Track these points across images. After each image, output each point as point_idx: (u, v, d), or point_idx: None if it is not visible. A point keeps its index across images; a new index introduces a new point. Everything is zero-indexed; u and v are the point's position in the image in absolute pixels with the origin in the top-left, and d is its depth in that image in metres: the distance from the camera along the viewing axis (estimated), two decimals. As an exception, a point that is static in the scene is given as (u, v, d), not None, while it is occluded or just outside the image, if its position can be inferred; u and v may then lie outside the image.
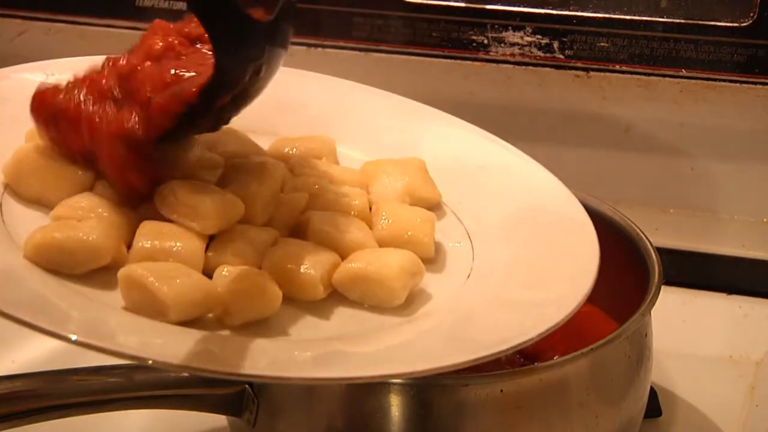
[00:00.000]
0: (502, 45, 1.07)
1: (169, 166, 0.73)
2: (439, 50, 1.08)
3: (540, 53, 1.06)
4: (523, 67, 1.07)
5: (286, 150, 0.81)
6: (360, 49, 1.10)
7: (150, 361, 0.60)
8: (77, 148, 0.72)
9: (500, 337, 0.66)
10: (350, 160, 0.83)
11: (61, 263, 0.67)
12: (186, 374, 0.74)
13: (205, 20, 0.66)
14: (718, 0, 1.01)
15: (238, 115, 0.73)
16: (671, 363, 0.92)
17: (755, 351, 0.96)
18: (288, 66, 0.86)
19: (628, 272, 0.83)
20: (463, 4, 1.07)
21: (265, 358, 0.64)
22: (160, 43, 0.73)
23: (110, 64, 0.74)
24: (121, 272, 0.66)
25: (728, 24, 1.01)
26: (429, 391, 0.71)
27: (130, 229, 0.70)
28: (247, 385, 0.75)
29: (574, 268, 0.73)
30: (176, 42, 0.74)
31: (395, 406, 0.71)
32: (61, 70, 0.81)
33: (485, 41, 1.07)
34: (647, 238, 0.84)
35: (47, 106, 0.72)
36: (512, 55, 1.07)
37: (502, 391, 0.71)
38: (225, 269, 0.68)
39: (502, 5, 1.06)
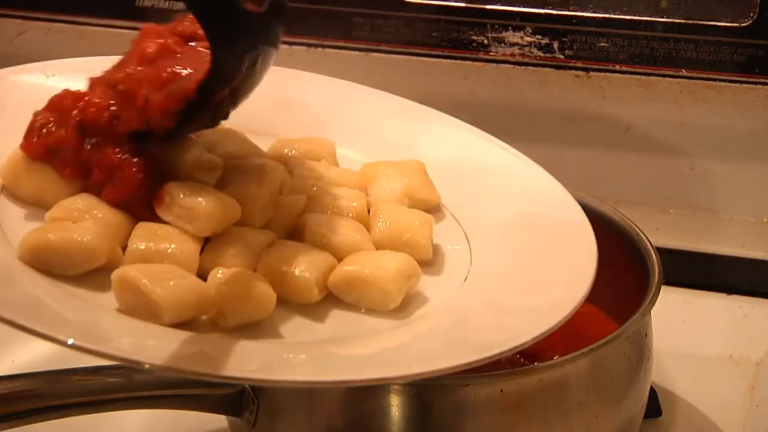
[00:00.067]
0: (502, 45, 1.07)
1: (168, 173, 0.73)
2: (439, 50, 1.08)
3: (540, 53, 1.06)
4: (523, 67, 1.07)
5: (286, 151, 0.81)
6: (360, 49, 1.10)
7: (147, 365, 0.60)
8: (72, 174, 0.72)
9: (497, 339, 0.66)
10: (350, 162, 0.83)
11: (55, 265, 0.67)
12: (183, 377, 0.74)
13: (200, 14, 0.67)
14: (718, 0, 1.01)
15: (236, 109, 0.73)
16: (671, 363, 0.92)
17: (755, 351, 0.96)
18: (288, 66, 0.86)
19: (628, 272, 0.83)
20: (463, 4, 1.07)
21: (259, 361, 0.64)
22: (153, 45, 0.73)
23: (95, 83, 0.74)
24: (115, 274, 0.66)
25: (728, 24, 1.01)
26: (429, 391, 0.71)
27: (126, 231, 0.70)
28: (247, 385, 0.75)
29: (571, 271, 0.72)
30: (170, 41, 0.74)
31: (395, 406, 0.71)
32: (60, 71, 0.81)
33: (485, 41, 1.07)
34: (647, 238, 0.84)
35: (38, 148, 0.72)
36: (512, 55, 1.07)
37: (502, 391, 0.71)
38: (219, 271, 0.68)
39: (502, 5, 1.06)
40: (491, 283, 0.73)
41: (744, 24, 1.01)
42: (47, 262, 0.67)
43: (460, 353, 0.64)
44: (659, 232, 1.03)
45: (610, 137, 1.08)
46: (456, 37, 1.07)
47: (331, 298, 0.70)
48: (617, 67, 1.05)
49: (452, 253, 0.76)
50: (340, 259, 0.71)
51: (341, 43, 1.10)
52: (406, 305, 0.71)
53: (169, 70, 0.71)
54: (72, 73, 0.77)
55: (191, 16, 0.73)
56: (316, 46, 1.11)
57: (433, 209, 0.80)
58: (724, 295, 1.04)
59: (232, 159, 0.76)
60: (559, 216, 0.78)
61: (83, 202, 0.71)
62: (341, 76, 0.91)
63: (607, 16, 1.04)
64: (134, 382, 0.73)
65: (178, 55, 0.73)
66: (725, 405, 0.90)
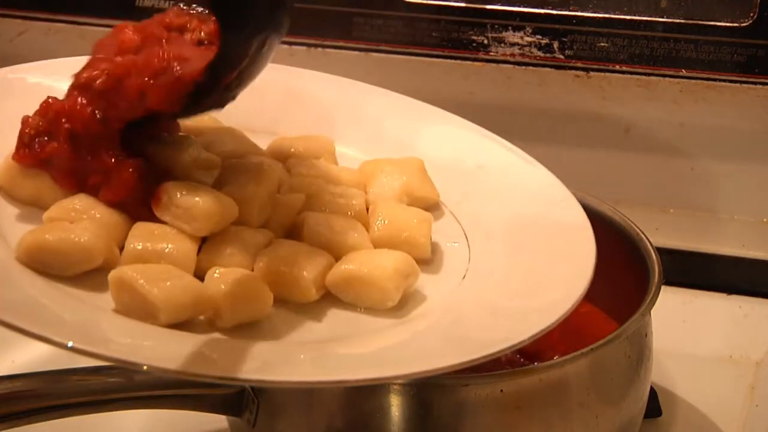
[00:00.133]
0: (502, 45, 1.07)
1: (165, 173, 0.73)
2: (439, 50, 1.08)
3: (540, 53, 1.06)
4: (523, 67, 1.07)
5: (284, 149, 0.81)
6: (360, 49, 1.10)
7: (144, 367, 0.60)
8: (68, 185, 0.72)
9: (495, 337, 0.66)
10: (348, 160, 0.83)
11: (52, 265, 0.67)
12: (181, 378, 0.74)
13: None
14: (718, 0, 1.01)
15: (244, 89, 0.73)
16: (671, 363, 0.92)
17: (755, 351, 0.96)
18: (287, 65, 0.86)
19: (628, 272, 0.83)
20: (463, 4, 1.07)
21: (257, 362, 0.64)
22: (137, 35, 0.73)
23: (74, 90, 0.73)
24: (112, 274, 0.66)
25: (728, 24, 1.01)
26: (429, 391, 0.71)
27: (123, 231, 0.70)
28: (246, 386, 0.74)
29: (570, 270, 0.72)
30: (155, 29, 0.74)
31: (395, 406, 0.71)
32: (60, 71, 0.81)
33: (485, 41, 1.07)
34: (647, 238, 0.84)
35: (31, 161, 0.72)
36: (512, 55, 1.07)
37: (502, 391, 0.71)
38: (216, 271, 0.68)
39: (502, 5, 1.06)
40: (490, 281, 0.73)
41: (744, 24, 1.01)
42: (44, 263, 0.67)
43: (460, 352, 0.64)
44: (659, 232, 1.03)
45: (610, 137, 1.08)
46: (456, 37, 1.07)
47: (329, 297, 0.70)
48: (617, 67, 1.05)
49: (451, 251, 0.76)
50: (339, 258, 0.71)
51: (341, 43, 1.10)
52: (404, 304, 0.71)
53: (161, 54, 0.71)
54: (72, 72, 0.77)
55: (178, 8, 0.74)
56: (316, 46, 1.11)
57: (432, 207, 0.80)
58: (724, 295, 1.04)
59: (230, 158, 0.77)
60: (558, 214, 0.78)
61: (81, 202, 0.71)
62: (341, 76, 0.91)
63: (607, 16, 1.04)
64: (134, 382, 0.73)
65: (164, 41, 0.73)
66: (725, 405, 0.90)
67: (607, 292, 0.83)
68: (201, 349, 0.64)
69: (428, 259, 0.75)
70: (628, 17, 1.03)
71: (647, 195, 1.09)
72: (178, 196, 0.70)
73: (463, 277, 0.74)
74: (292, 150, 0.81)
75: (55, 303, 0.65)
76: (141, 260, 0.68)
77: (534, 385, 0.72)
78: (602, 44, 1.04)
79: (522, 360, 0.80)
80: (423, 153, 0.82)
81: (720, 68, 1.02)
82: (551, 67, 1.06)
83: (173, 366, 0.60)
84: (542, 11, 1.05)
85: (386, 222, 0.75)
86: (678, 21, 1.02)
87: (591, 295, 0.79)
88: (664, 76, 1.04)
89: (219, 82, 0.70)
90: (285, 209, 0.74)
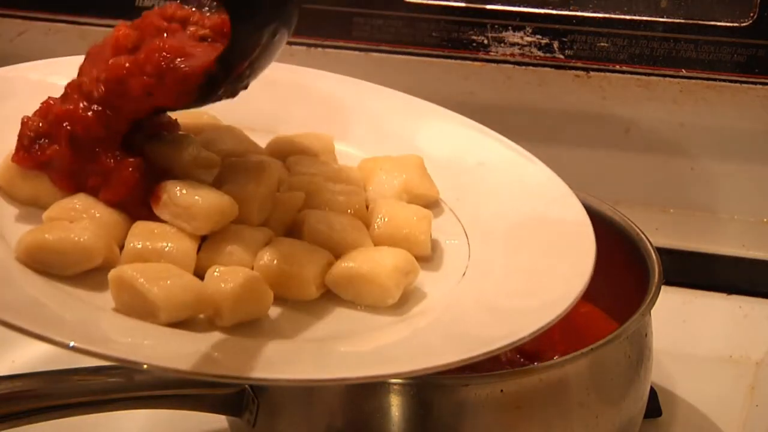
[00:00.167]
0: (502, 45, 1.07)
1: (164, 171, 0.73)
2: (439, 50, 1.08)
3: (540, 53, 1.06)
4: (523, 67, 1.07)
5: (284, 148, 0.81)
6: (360, 49, 1.10)
7: (145, 366, 0.60)
8: (67, 187, 0.72)
9: (495, 335, 0.66)
10: (348, 158, 0.83)
11: (52, 264, 0.67)
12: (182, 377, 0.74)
13: None
14: (718, 0, 1.01)
15: (255, 79, 0.73)
16: (671, 363, 0.92)
17: (755, 351, 0.96)
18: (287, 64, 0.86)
19: (628, 272, 0.83)
20: (463, 4, 1.07)
21: (258, 360, 0.64)
22: (132, 33, 0.73)
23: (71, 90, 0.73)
24: (112, 273, 0.66)
25: (728, 24, 1.01)
26: (429, 391, 0.71)
27: (123, 230, 0.70)
28: (246, 385, 0.75)
29: (570, 267, 0.72)
30: (154, 21, 0.74)
31: (395, 406, 0.71)
32: (60, 70, 0.81)
33: (485, 41, 1.07)
34: (647, 238, 0.84)
35: (31, 163, 0.72)
36: (512, 55, 1.07)
37: (502, 391, 0.71)
38: (216, 270, 0.68)
39: (502, 5, 1.06)
40: (489, 278, 0.73)
41: (744, 24, 1.01)
42: (44, 262, 0.67)
43: (460, 349, 0.64)
44: (659, 232, 1.03)
45: (610, 137, 1.08)
46: (456, 37, 1.07)
47: (329, 295, 0.70)
48: (617, 67, 1.05)
49: (451, 248, 0.76)
50: (339, 256, 0.71)
51: (341, 43, 1.10)
52: (404, 301, 0.71)
53: (163, 47, 0.71)
54: (69, 72, 0.77)
55: (177, 3, 0.74)
56: (316, 46, 1.11)
57: (432, 204, 0.80)
58: (724, 295, 1.04)
59: (230, 156, 0.77)
60: (558, 211, 0.78)
61: (80, 201, 0.71)
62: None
63: (607, 16, 1.04)
64: (134, 382, 0.73)
65: (165, 34, 0.73)
66: (725, 405, 0.90)
67: (607, 292, 0.83)
68: (201, 348, 0.64)
69: (428, 257, 0.75)
70: (628, 17, 1.03)
71: (647, 195, 1.09)
72: (178, 194, 0.70)
73: (463, 275, 0.74)
74: (292, 148, 0.81)
75: (55, 302, 0.65)
76: (141, 259, 0.68)
77: (534, 385, 0.72)
78: (602, 44, 1.04)
79: (522, 360, 0.80)
80: (422, 150, 0.82)
81: (720, 68, 1.02)
82: (551, 67, 1.06)
83: (173, 365, 0.60)
84: (542, 11, 1.05)
85: (386, 219, 0.75)
86: (678, 21, 1.02)
87: (591, 295, 0.79)
88: (664, 76, 1.04)
89: (231, 73, 0.71)
90: (285, 207, 0.74)
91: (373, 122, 0.86)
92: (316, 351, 0.66)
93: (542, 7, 1.05)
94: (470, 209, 0.79)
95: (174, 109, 0.74)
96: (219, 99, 0.73)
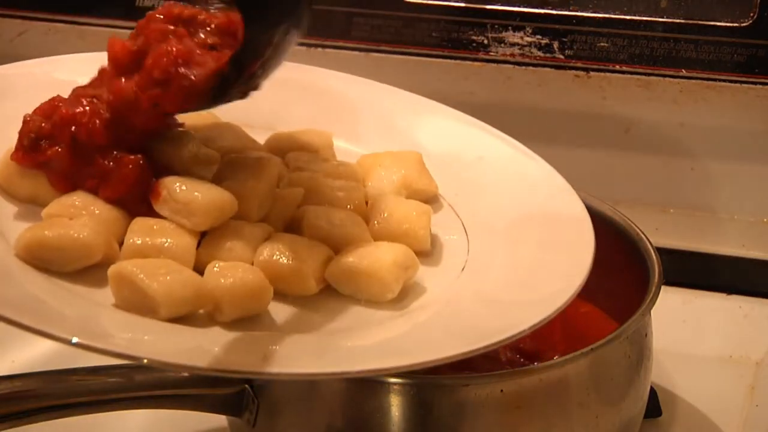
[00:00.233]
0: (502, 45, 1.07)
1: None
2: (439, 50, 1.08)
3: (540, 53, 1.06)
4: (523, 67, 1.07)
5: (283, 144, 0.81)
6: (360, 49, 1.10)
7: (145, 360, 0.60)
8: (64, 188, 0.72)
9: (494, 328, 0.66)
10: (347, 154, 0.83)
11: (52, 261, 0.67)
12: (182, 373, 0.73)
13: None
14: (718, 0, 1.01)
15: (267, 78, 0.73)
16: (671, 363, 0.92)
17: (755, 351, 0.96)
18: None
19: (628, 272, 0.83)
20: (463, 4, 1.07)
21: (258, 355, 0.64)
22: (131, 42, 0.73)
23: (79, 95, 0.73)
24: (111, 269, 0.66)
25: (728, 24, 1.01)
26: (429, 391, 0.71)
27: (123, 226, 0.70)
28: (246, 385, 0.74)
29: (568, 261, 0.73)
30: (159, 26, 0.74)
31: (395, 406, 0.71)
32: (61, 68, 0.81)
33: (485, 41, 1.07)
34: (647, 238, 0.84)
35: (30, 162, 0.72)
36: (512, 55, 1.07)
37: (502, 391, 0.71)
38: (216, 265, 0.68)
39: (502, 5, 1.06)
40: (488, 273, 0.73)
41: (744, 24, 1.01)
42: (44, 259, 0.67)
43: (459, 343, 0.64)
44: (659, 232, 1.03)
45: (610, 137, 1.08)
46: (456, 37, 1.07)
47: (328, 290, 0.71)
48: (617, 67, 1.05)
49: (450, 243, 0.76)
50: (338, 251, 0.71)
51: (341, 43, 1.10)
52: (404, 296, 0.71)
53: (170, 52, 0.71)
54: (71, 70, 0.77)
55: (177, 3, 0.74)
56: (316, 46, 1.11)
57: (431, 200, 0.80)
58: (724, 295, 1.04)
59: (229, 153, 0.77)
60: (557, 206, 0.79)
61: (80, 198, 0.71)
62: (341, 75, 0.91)
63: (607, 16, 1.04)
64: (134, 382, 0.73)
65: (172, 37, 0.72)
66: (725, 405, 0.90)
67: (607, 292, 0.83)
68: (201, 343, 0.64)
69: (427, 252, 0.75)
70: (628, 17, 1.03)
71: (647, 195, 1.09)
72: (177, 191, 0.70)
73: (462, 269, 0.74)
74: (291, 144, 0.81)
75: (56, 299, 0.66)
76: (140, 255, 0.68)
77: (534, 385, 0.72)
78: (602, 44, 1.04)
79: (522, 360, 0.80)
80: (421, 146, 0.83)
81: (720, 68, 1.02)
82: (551, 67, 1.06)
83: (174, 360, 0.61)
84: (542, 11, 1.05)
85: (386, 215, 0.75)
86: (678, 21, 1.02)
87: (591, 295, 0.79)
88: (664, 76, 1.04)
89: (243, 72, 0.71)
90: (284, 203, 0.74)
91: (371, 118, 0.86)
92: (315, 345, 0.66)
93: (542, 7, 1.05)
94: (469, 204, 0.79)
95: (186, 112, 0.74)
96: (231, 99, 0.73)
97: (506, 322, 0.66)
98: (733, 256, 1.07)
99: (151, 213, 0.70)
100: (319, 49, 1.11)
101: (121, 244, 0.69)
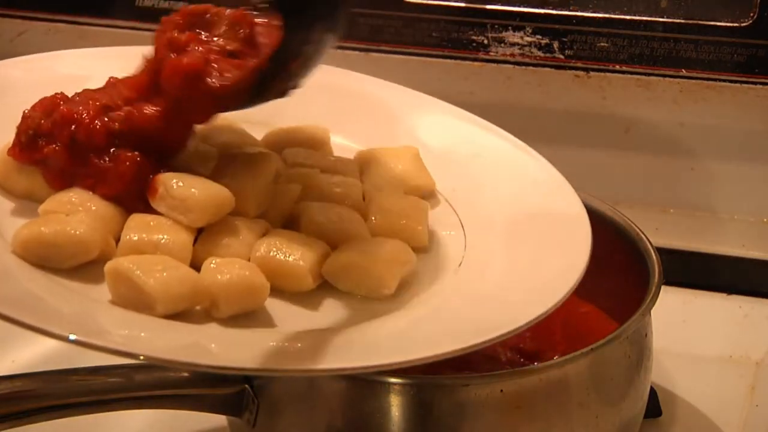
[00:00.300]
0: (502, 45, 1.07)
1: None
2: (439, 50, 1.08)
3: (540, 53, 1.06)
4: (523, 67, 1.07)
5: (280, 140, 0.81)
6: (360, 49, 1.10)
7: (141, 357, 0.60)
8: (59, 185, 0.72)
9: (491, 324, 0.66)
10: (344, 149, 0.83)
11: (49, 258, 0.67)
12: (179, 369, 0.73)
13: None
14: (718, 0, 1.01)
15: (307, 76, 0.73)
16: (671, 363, 0.92)
17: (755, 351, 0.96)
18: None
19: (628, 272, 0.83)
20: (463, 4, 1.07)
21: (255, 351, 0.64)
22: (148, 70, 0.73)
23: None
24: (108, 266, 0.66)
25: (728, 24, 1.01)
26: (429, 391, 0.71)
27: (119, 223, 0.70)
28: (246, 385, 0.74)
29: (565, 257, 0.73)
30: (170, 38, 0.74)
31: (395, 406, 0.71)
32: (60, 64, 0.81)
33: (485, 41, 1.07)
34: (647, 238, 0.84)
35: (26, 159, 0.72)
36: (512, 55, 1.07)
37: (502, 391, 0.71)
38: (213, 261, 0.68)
39: (502, 5, 1.06)
40: (486, 268, 0.73)
41: (744, 24, 1.01)
42: (41, 256, 0.67)
43: (457, 338, 0.64)
44: (659, 232, 1.03)
45: (610, 137, 1.08)
46: (456, 37, 1.07)
47: (325, 286, 0.71)
48: (617, 67, 1.05)
49: (447, 239, 0.76)
50: (336, 247, 0.71)
51: (341, 43, 1.10)
52: (400, 292, 0.71)
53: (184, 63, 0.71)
54: (70, 65, 0.77)
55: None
56: (316, 46, 1.10)
57: (428, 195, 0.80)
58: (724, 295, 1.04)
59: (227, 149, 0.77)
60: (554, 202, 0.79)
61: (76, 194, 0.71)
62: (341, 75, 0.91)
63: (607, 16, 1.04)
64: (134, 382, 0.73)
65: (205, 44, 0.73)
66: (725, 405, 0.90)
67: (607, 292, 0.83)
68: (198, 340, 0.64)
69: (425, 247, 0.75)
70: (628, 17, 1.03)
71: (647, 195, 1.09)
72: (174, 187, 0.70)
73: (460, 265, 0.74)
74: (288, 140, 0.81)
75: (53, 295, 0.66)
76: (137, 251, 0.68)
77: (534, 385, 0.72)
78: (602, 44, 1.04)
79: (522, 360, 0.80)
80: (418, 141, 0.83)
81: (720, 68, 1.02)
82: (551, 67, 1.06)
83: (170, 356, 0.61)
84: (542, 11, 1.05)
85: (383, 211, 0.75)
86: (678, 21, 1.02)
87: (591, 295, 0.79)
88: (664, 76, 1.04)
89: (283, 71, 0.71)
90: (282, 199, 0.74)
91: (369, 114, 0.86)
92: (312, 341, 0.65)
93: (542, 7, 1.05)
94: (466, 200, 0.80)
95: (226, 111, 0.74)
96: (270, 99, 0.74)
97: (504, 318, 0.66)
98: (733, 256, 1.07)
99: (149, 210, 0.70)
100: (319, 49, 1.11)
101: (117, 240, 0.69)
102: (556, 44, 1.05)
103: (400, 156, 0.80)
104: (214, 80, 0.70)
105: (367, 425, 0.72)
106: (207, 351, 0.64)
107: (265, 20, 0.73)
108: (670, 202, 1.09)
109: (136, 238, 0.69)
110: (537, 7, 1.05)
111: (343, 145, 0.84)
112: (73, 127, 0.71)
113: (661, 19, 1.03)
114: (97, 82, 0.76)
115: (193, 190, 0.70)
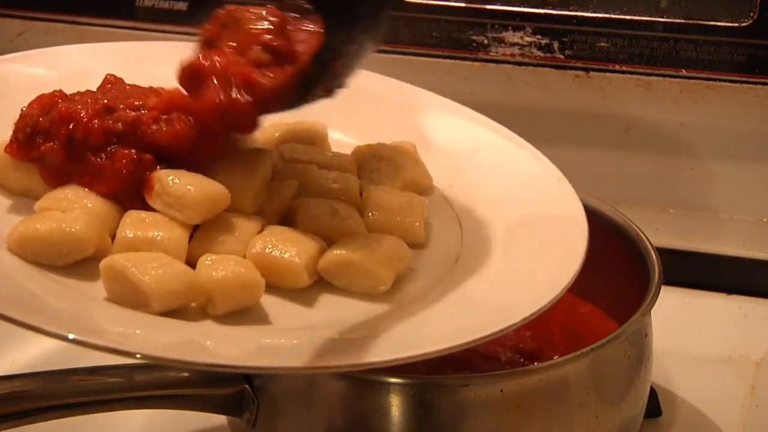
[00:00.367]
0: (502, 45, 1.07)
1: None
2: (439, 50, 1.08)
3: (540, 53, 1.06)
4: (523, 67, 1.07)
5: (277, 135, 0.81)
6: (360, 49, 1.09)
7: (137, 355, 0.60)
8: (56, 183, 0.72)
9: (488, 321, 0.66)
10: (342, 145, 0.83)
11: (44, 255, 0.67)
12: (174, 367, 0.73)
13: None
14: (718, 0, 1.01)
15: (352, 76, 0.73)
16: (671, 363, 0.92)
17: (755, 351, 0.96)
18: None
19: (628, 272, 0.83)
20: (463, 4, 1.07)
21: (250, 348, 0.64)
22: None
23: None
24: (103, 263, 0.66)
25: (728, 24, 1.01)
26: (429, 391, 0.71)
27: (115, 220, 0.70)
28: (246, 385, 0.74)
29: (561, 254, 0.73)
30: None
31: (395, 406, 0.71)
32: (57, 61, 0.81)
33: (485, 41, 1.07)
34: (647, 238, 0.84)
35: (23, 156, 0.72)
36: (512, 55, 1.07)
37: (502, 391, 0.71)
38: (208, 258, 0.68)
39: (502, 5, 1.06)
40: (482, 264, 0.73)
41: (744, 24, 1.01)
42: (36, 253, 0.67)
43: (453, 335, 0.64)
44: (659, 232, 1.03)
45: (610, 137, 1.08)
46: (456, 37, 1.07)
47: (321, 282, 0.70)
48: (617, 67, 1.05)
49: (444, 234, 0.76)
50: (333, 244, 0.71)
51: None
52: (397, 288, 0.71)
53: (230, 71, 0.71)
54: (67, 62, 0.77)
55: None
56: (316, 46, 1.10)
57: (426, 191, 0.80)
58: (724, 295, 1.04)
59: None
60: (551, 198, 0.79)
61: (72, 192, 0.71)
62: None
63: (607, 16, 1.04)
64: (134, 382, 0.73)
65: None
66: (725, 405, 0.90)
67: (607, 292, 0.83)
68: (193, 337, 0.64)
69: (422, 243, 0.75)
70: (628, 17, 1.03)
71: (647, 195, 1.09)
72: (170, 184, 0.70)
73: (456, 261, 0.74)
74: (286, 136, 0.81)
75: (48, 293, 0.66)
76: (132, 248, 0.68)
77: (534, 385, 0.72)
78: (602, 44, 1.04)
79: (522, 360, 0.80)
80: (416, 137, 0.82)
81: (720, 68, 1.02)
82: (551, 67, 1.06)
83: (166, 354, 0.60)
84: (542, 11, 1.05)
85: (380, 206, 0.75)
86: (678, 21, 1.02)
87: (591, 295, 0.79)
88: (664, 76, 1.04)
89: (327, 70, 0.71)
90: (279, 196, 0.74)
91: (366, 109, 0.86)
92: (308, 338, 0.65)
93: (542, 7, 1.05)
94: (464, 195, 0.79)
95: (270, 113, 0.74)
96: (315, 99, 0.73)
97: (499, 315, 0.66)
98: (733, 256, 1.07)
99: (145, 207, 0.70)
100: (319, 49, 1.11)
101: (113, 237, 0.69)
102: (556, 44, 1.05)
103: (398, 151, 0.80)
104: (263, 80, 0.70)
105: (367, 425, 0.72)
106: (202, 348, 0.63)
107: (302, 23, 0.73)
108: (670, 202, 1.09)
109: (131, 235, 0.69)
110: (537, 7, 1.05)
111: (341, 140, 0.84)
112: (71, 125, 0.71)
113: (661, 19, 1.03)
114: (97, 78, 0.76)
115: (188, 186, 0.70)
